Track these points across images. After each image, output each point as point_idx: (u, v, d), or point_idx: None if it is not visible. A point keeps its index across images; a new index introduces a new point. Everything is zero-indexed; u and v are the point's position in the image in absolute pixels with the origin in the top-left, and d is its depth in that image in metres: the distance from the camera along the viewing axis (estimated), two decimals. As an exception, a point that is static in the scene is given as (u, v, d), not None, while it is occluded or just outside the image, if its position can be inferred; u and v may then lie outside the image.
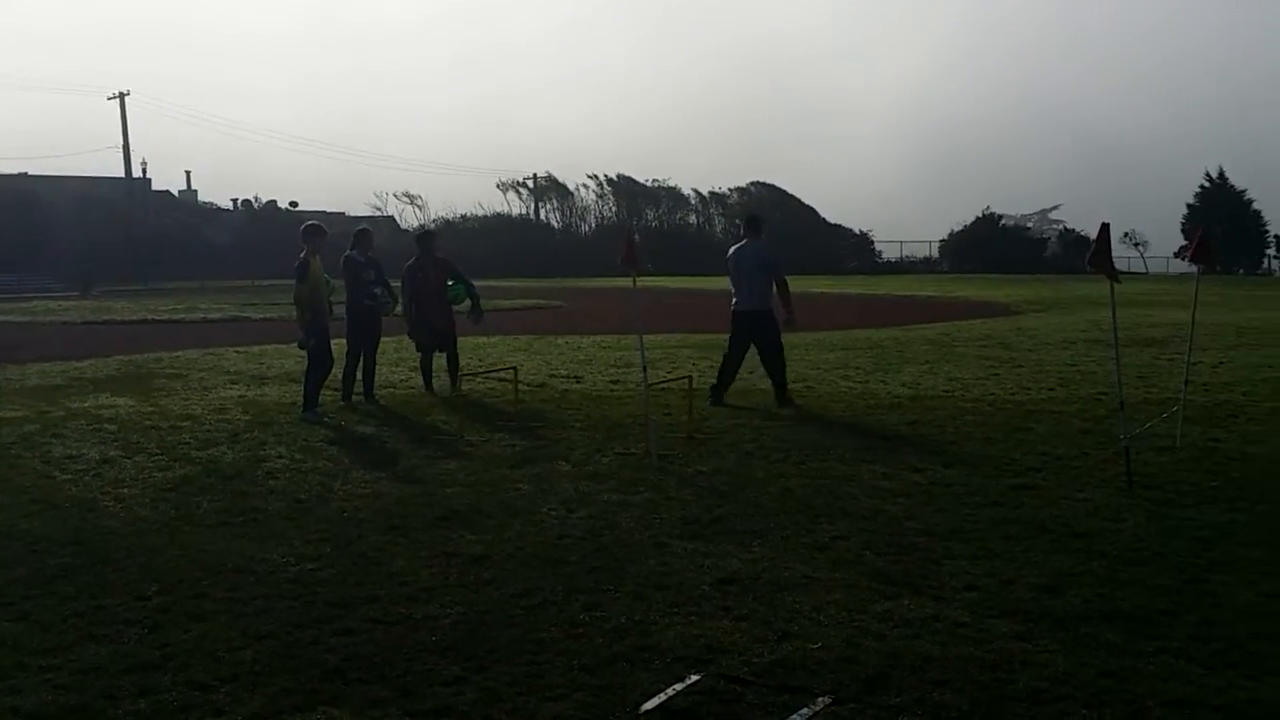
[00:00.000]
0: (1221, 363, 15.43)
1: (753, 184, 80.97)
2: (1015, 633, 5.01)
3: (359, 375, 12.42)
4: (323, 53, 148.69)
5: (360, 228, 13.18)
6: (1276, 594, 5.49)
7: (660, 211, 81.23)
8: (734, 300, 11.93)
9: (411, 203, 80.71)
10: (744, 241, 12.09)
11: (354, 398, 12.24)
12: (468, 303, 13.42)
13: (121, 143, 66.11)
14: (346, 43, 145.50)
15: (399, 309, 13.01)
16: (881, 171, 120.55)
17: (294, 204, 73.19)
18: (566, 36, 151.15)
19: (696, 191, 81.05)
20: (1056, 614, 5.24)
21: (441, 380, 13.13)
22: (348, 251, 12.66)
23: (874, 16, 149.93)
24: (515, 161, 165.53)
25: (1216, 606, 5.34)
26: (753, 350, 11.88)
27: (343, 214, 67.88)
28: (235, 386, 13.85)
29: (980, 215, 77.11)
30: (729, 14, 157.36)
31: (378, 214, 76.71)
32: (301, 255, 11.41)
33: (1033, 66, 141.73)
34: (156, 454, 9.37)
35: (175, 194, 78.26)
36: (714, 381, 12.05)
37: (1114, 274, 8.18)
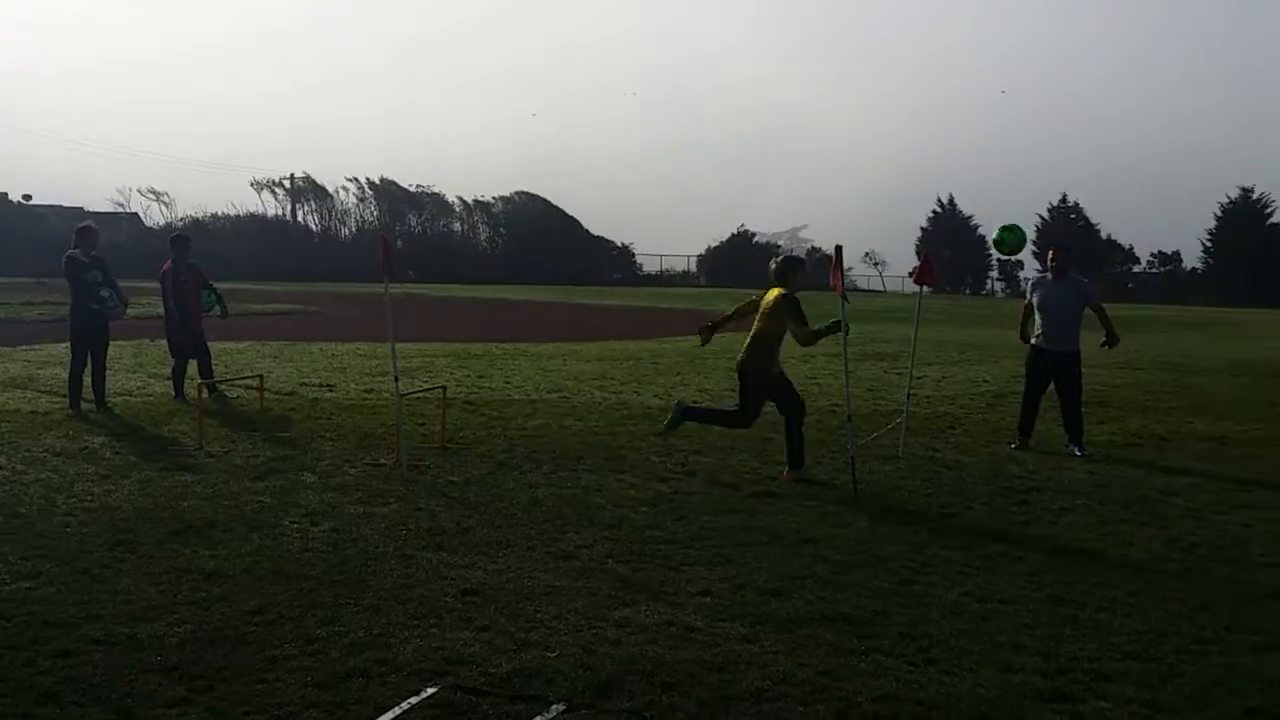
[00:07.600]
0: (944, 377, 16.57)
1: (518, 193, 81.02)
2: (743, 635, 5.26)
3: (87, 382, 11.74)
4: (66, 39, 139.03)
5: (83, 224, 12.31)
6: (977, 594, 5.97)
7: (424, 218, 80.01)
8: (1039, 336, 10.71)
9: (158, 199, 76.69)
10: (1049, 274, 10.92)
11: (83, 405, 11.57)
12: (217, 309, 13.35)
13: None
14: (92, 30, 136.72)
15: (128, 312, 12.44)
16: (643, 187, 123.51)
17: (27, 197, 68.50)
18: (324, 30, 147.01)
19: (461, 199, 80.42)
20: (781, 616, 5.53)
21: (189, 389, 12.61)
22: (70, 250, 11.83)
23: (648, 32, 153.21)
24: (271, 160, 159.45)
25: (924, 606, 5.76)
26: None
27: (81, 209, 63.96)
28: (-50, 393, 12.84)
29: (735, 233, 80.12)
30: (507, 22, 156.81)
31: (121, 210, 72.61)
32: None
33: (775, 92, 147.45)
34: None
35: (-112, 182, 71.97)
36: (1018, 426, 10.85)
37: (843, 293, 8.83)
